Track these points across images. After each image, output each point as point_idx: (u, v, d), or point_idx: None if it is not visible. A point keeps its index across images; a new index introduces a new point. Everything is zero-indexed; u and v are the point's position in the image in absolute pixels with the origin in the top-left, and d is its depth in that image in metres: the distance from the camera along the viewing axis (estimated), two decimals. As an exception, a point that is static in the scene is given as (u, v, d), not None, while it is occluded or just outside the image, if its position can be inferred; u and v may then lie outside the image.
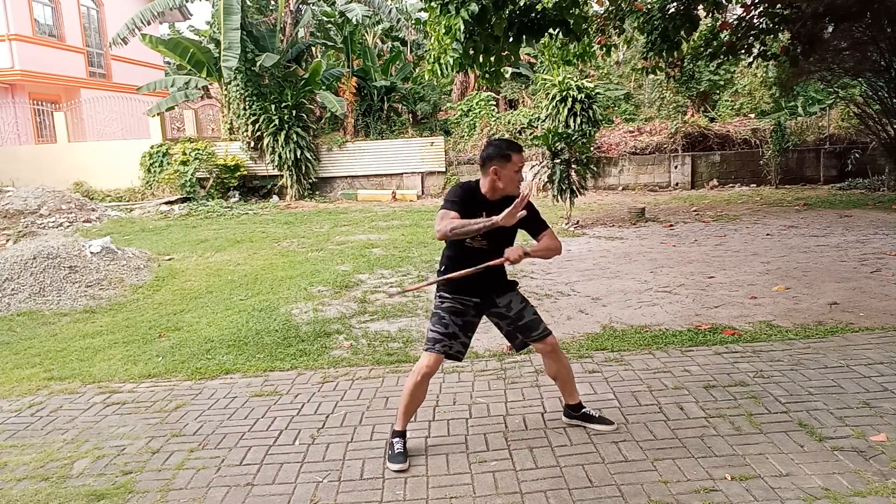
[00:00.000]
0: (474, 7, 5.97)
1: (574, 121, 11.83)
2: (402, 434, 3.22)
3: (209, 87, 17.96)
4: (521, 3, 6.43)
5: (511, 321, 3.27)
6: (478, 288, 3.20)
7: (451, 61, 6.85)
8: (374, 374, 4.42)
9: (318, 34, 18.16)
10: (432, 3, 6.35)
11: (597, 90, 12.20)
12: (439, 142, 16.52)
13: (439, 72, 7.08)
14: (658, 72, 10.26)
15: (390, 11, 17.61)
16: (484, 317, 3.31)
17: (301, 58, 17.44)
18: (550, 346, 3.30)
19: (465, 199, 3.06)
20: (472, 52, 6.77)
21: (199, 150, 16.01)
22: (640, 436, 3.33)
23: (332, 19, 18.50)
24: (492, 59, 7.04)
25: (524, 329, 3.27)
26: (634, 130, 16.45)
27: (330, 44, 18.12)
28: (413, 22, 19.18)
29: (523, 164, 3.16)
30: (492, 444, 3.33)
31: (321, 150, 16.63)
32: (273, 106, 15.48)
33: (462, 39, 6.38)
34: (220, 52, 15.33)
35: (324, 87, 16.60)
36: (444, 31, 6.46)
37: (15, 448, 3.55)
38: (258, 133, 15.93)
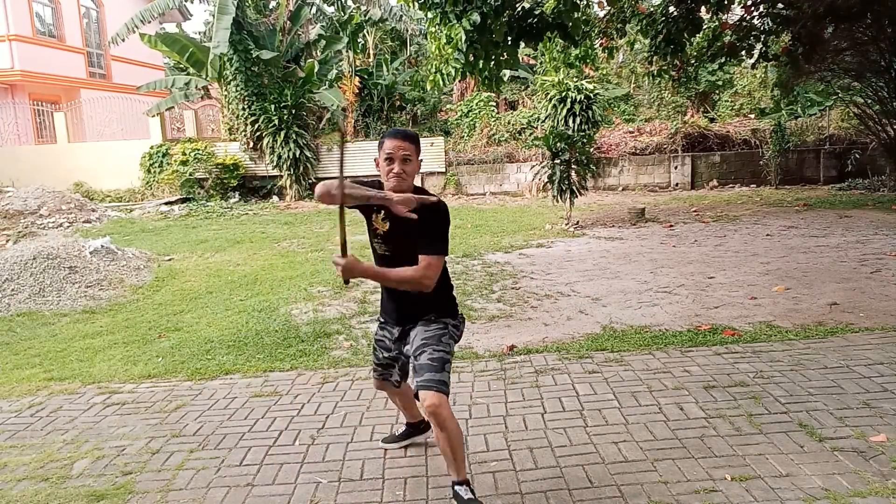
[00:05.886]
0: (476, 17, 5.98)
1: (573, 121, 11.83)
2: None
3: (209, 87, 17.96)
4: (520, 8, 6.45)
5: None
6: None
7: (454, 71, 6.87)
8: (374, 374, 4.41)
9: (323, 34, 18.15)
10: (429, 14, 6.37)
11: (596, 91, 12.19)
12: (439, 142, 16.51)
13: (441, 82, 7.10)
14: (665, 76, 10.26)
15: (396, 14, 17.58)
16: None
17: (300, 58, 17.43)
18: (427, 406, 2.57)
19: (365, 183, 2.66)
20: (472, 58, 6.79)
21: (198, 150, 16.00)
22: (640, 436, 3.33)
23: (333, 18, 18.49)
24: (492, 64, 7.05)
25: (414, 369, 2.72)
26: (634, 131, 16.44)
27: (329, 40, 18.10)
28: (414, 23, 19.22)
29: (395, 154, 2.56)
30: (492, 444, 3.33)
31: (321, 150, 16.62)
32: (272, 106, 15.46)
33: (464, 49, 6.40)
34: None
35: (324, 87, 16.58)
36: (444, 40, 6.47)
37: (15, 448, 3.54)
38: (258, 133, 15.91)
